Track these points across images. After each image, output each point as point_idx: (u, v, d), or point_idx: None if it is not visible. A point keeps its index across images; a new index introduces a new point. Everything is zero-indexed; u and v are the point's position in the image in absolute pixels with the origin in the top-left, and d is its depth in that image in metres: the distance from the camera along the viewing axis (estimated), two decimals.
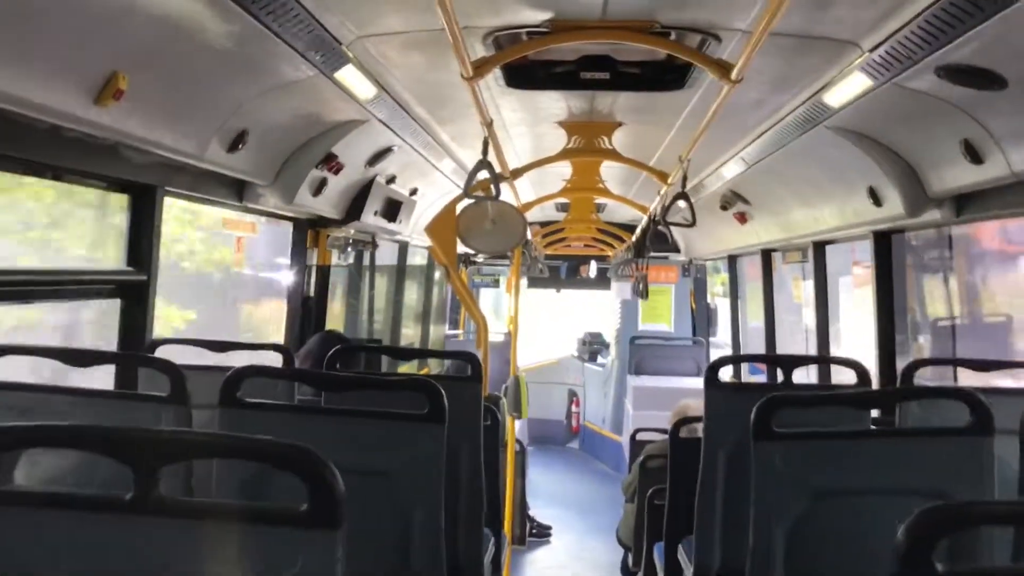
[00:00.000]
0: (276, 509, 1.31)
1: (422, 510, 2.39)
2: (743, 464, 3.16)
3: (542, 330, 15.10)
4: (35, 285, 3.01)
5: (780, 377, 3.36)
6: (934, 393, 2.99)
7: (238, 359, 3.37)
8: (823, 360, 3.61)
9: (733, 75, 3.21)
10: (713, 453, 3.24)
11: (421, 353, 6.61)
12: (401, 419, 2.37)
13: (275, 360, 3.79)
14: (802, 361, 3.63)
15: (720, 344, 11.44)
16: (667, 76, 4.01)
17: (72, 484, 1.92)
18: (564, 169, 6.64)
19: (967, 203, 3.88)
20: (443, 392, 2.39)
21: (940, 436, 2.34)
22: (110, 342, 3.41)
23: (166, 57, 2.81)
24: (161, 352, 3.21)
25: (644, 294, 8.87)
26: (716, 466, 3.24)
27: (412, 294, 9.62)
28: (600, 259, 12.32)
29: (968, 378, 3.57)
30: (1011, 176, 3.28)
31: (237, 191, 4.18)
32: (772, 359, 3.16)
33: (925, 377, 3.94)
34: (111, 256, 3.45)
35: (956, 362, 4.02)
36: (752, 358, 6.66)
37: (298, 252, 5.41)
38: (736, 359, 5.97)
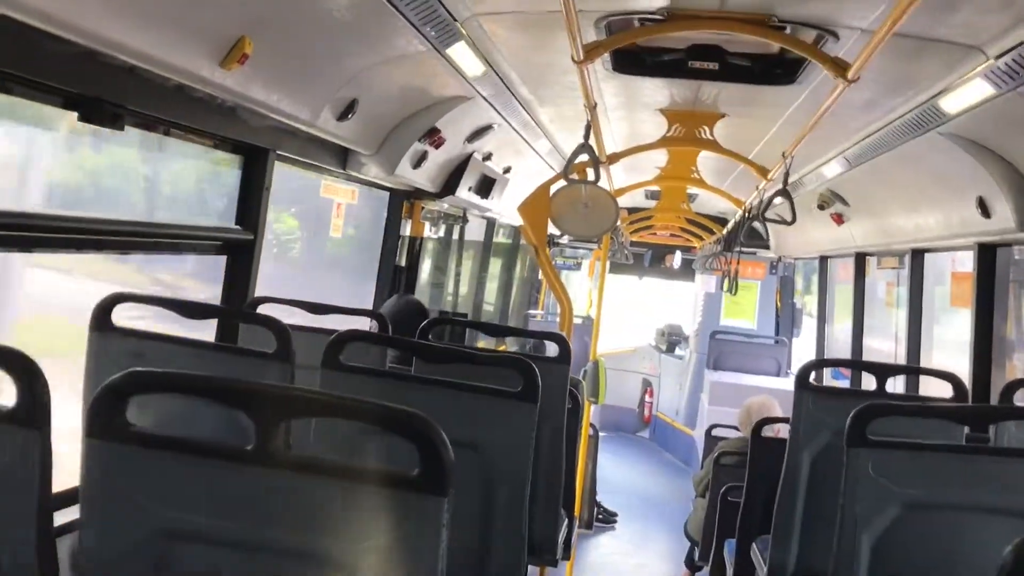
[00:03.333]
0: (390, 472, 1.36)
1: (507, 485, 2.44)
2: (828, 468, 3.13)
3: (619, 318, 15.02)
4: (146, 237, 3.13)
5: (864, 384, 3.30)
6: None
7: (333, 322, 3.47)
8: (919, 371, 3.50)
9: (850, 74, 3.15)
10: (798, 455, 3.21)
11: (514, 331, 6.65)
12: (494, 394, 2.41)
13: (365, 324, 3.88)
14: (897, 370, 3.54)
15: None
16: (777, 70, 3.95)
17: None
18: (658, 156, 6.60)
19: None
20: (537, 372, 2.42)
21: None
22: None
23: (290, 24, 2.89)
24: (261, 310, 3.31)
25: (733, 289, 8.76)
26: (800, 468, 3.21)
27: (496, 271, 9.70)
28: (685, 250, 12.20)
29: None
30: None
31: (341, 159, 4.28)
32: (866, 365, 3.09)
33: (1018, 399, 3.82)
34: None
35: None
36: (846, 363, 6.48)
37: (392, 222, 5.50)
38: (830, 363, 5.85)
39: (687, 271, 12.53)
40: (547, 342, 7.01)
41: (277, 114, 3.31)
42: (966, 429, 2.70)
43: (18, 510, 1.47)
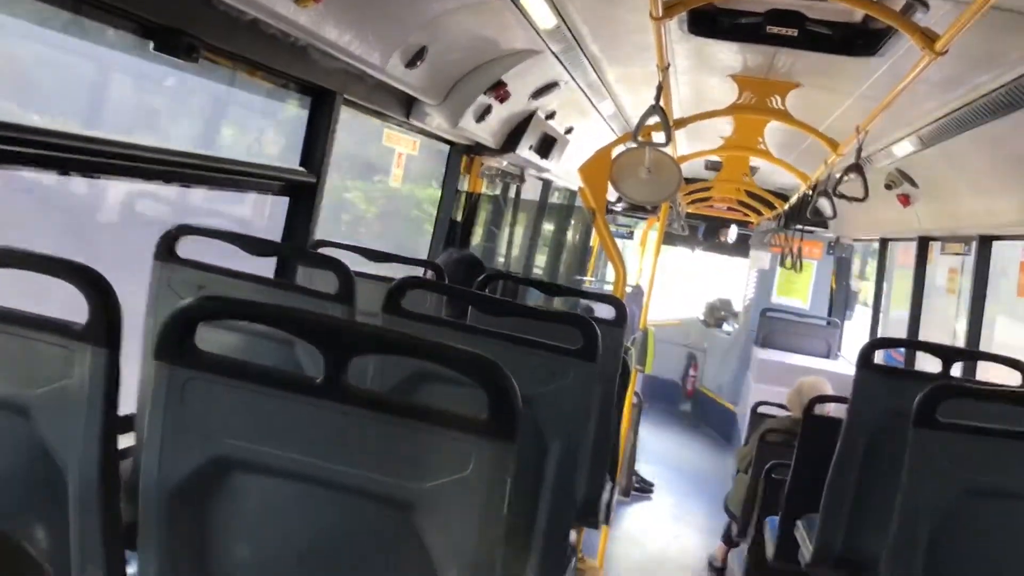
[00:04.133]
0: (459, 414, 1.34)
1: (562, 442, 2.41)
2: (885, 450, 3.06)
3: (668, 290, 14.87)
4: (210, 171, 3.13)
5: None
6: None
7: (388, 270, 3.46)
8: (987, 356, 3.40)
9: (938, 46, 3.03)
10: (854, 434, 3.14)
11: (571, 291, 6.64)
12: (554, 351, 2.38)
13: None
14: (964, 354, 3.44)
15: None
16: (859, 40, 3.83)
17: None
18: (722, 126, 6.46)
19: None
20: (598, 331, 2.39)
21: None
22: None
23: None
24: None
25: (797, 266, 8.60)
26: (855, 448, 3.14)
27: (548, 234, 9.64)
28: (741, 224, 11.99)
29: None
30: None
31: (406, 108, 4.25)
32: (933, 347, 3.01)
33: None
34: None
35: None
36: (911, 344, 6.31)
37: (451, 176, 5.47)
38: (894, 342, 5.72)
39: (741, 246, 12.34)
40: (598, 307, 6.99)
41: (347, 56, 3.28)
42: None
43: (85, 428, 1.47)
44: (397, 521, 1.36)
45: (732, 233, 12.05)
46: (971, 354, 4.49)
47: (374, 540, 1.40)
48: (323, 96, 3.50)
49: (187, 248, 2.61)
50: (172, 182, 2.94)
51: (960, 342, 5.78)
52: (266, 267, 3.50)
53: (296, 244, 3.47)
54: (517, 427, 1.34)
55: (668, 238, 12.16)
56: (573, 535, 5.40)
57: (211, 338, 1.80)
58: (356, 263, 3.57)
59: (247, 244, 2.60)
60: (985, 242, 5.70)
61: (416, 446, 1.35)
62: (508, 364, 2.37)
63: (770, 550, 4.35)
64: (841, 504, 3.21)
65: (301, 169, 3.51)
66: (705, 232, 12.51)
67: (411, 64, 3.65)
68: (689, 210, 11.25)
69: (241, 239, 2.61)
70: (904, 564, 2.23)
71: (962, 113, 4.20)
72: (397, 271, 3.52)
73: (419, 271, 3.85)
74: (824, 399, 4.24)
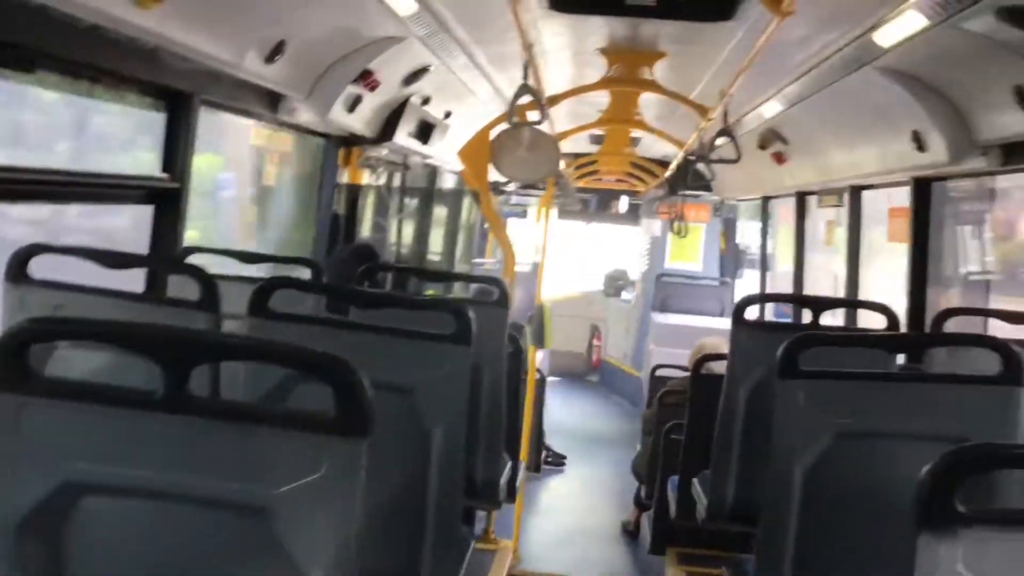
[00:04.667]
0: (304, 414, 1.32)
1: (443, 429, 2.41)
2: (764, 402, 3.16)
3: (571, 264, 15.03)
4: (69, 185, 3.02)
5: (805, 320, 3.32)
6: (967, 340, 2.95)
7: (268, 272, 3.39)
8: (852, 304, 3.53)
9: (784, 6, 3.13)
10: (735, 390, 3.24)
11: (449, 276, 6.64)
12: (427, 338, 2.38)
13: (304, 274, 3.80)
14: (831, 303, 3.59)
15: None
16: (715, 6, 3.92)
17: None
18: (601, 100, 6.53)
19: (1014, 152, 3.78)
20: (469, 315, 2.39)
21: (970, 384, 2.32)
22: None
23: None
24: (192, 261, 3.21)
25: (682, 231, 8.79)
26: (737, 403, 3.24)
27: (441, 219, 9.61)
28: (631, 194, 12.21)
29: (999, 331, 3.52)
30: None
31: (272, 104, 4.15)
32: (800, 299, 3.12)
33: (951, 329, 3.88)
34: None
35: (988, 312, 3.96)
36: (781, 298, 6.58)
37: (329, 169, 5.38)
38: (764, 298, 5.94)
39: (633, 215, 12.56)
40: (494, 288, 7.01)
41: (200, 56, 3.18)
42: (901, 359, 2.74)
43: None
44: (255, 529, 1.34)
45: (623, 203, 12.25)
46: (837, 302, 4.69)
47: (235, 550, 1.38)
48: (179, 99, 3.38)
49: (61, 266, 2.51)
50: (27, 200, 2.81)
51: (842, 291, 6.03)
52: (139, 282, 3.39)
53: (163, 253, 3.36)
54: (368, 423, 1.33)
55: (562, 212, 12.29)
56: (484, 516, 5.44)
57: (77, 363, 1.74)
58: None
59: (104, 258, 2.51)
60: (856, 192, 5.93)
61: (266, 451, 1.33)
62: (384, 356, 2.37)
63: (672, 509, 4.46)
64: (729, 459, 3.31)
65: (163, 175, 3.39)
66: (597, 204, 12.68)
67: (270, 59, 3.56)
68: (579, 184, 11.37)
69: (97, 254, 2.52)
70: (781, 510, 2.32)
71: (819, 71, 4.35)
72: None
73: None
74: (710, 358, 4.35)
